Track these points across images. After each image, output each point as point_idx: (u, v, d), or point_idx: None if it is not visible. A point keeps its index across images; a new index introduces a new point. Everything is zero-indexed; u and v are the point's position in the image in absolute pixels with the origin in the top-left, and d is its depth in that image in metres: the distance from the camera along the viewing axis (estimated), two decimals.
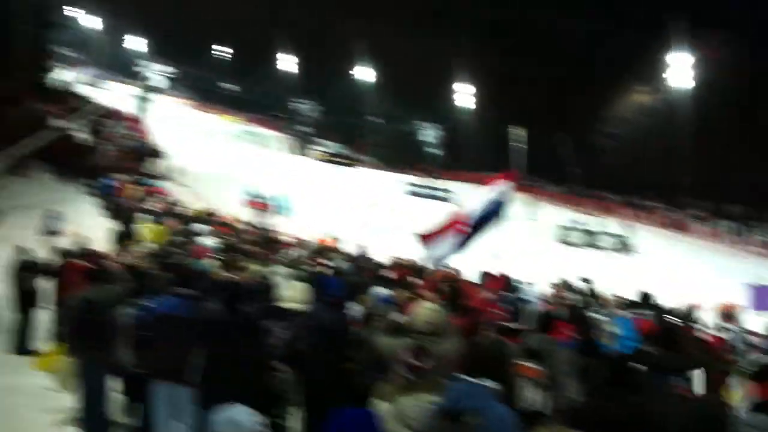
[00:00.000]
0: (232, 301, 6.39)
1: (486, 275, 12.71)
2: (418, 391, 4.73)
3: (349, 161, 50.54)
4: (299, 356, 6.40)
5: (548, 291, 12.56)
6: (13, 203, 17.77)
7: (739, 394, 7.15)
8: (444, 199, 38.51)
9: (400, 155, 52.66)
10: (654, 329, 8.25)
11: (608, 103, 46.42)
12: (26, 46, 25.95)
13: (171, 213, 21.10)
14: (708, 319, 10.91)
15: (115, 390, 6.90)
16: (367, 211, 31.28)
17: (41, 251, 11.89)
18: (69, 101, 32.96)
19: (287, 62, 62.92)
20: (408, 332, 5.22)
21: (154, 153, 32.87)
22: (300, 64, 62.12)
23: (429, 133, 56.04)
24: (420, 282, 10.69)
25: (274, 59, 62.87)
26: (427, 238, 10.75)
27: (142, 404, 6.50)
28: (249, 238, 17.84)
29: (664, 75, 41.99)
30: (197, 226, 18.75)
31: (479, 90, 53.14)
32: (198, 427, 5.70)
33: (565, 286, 12.74)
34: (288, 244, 17.88)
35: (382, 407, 4.76)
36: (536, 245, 26.76)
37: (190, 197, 27.61)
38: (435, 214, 15.58)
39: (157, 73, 61.83)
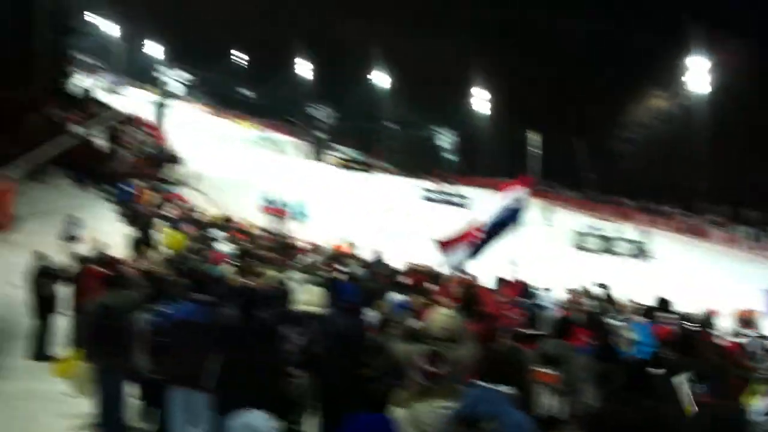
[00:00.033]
0: (248, 307, 6.43)
1: (502, 281, 12.69)
2: (434, 397, 4.71)
3: (364, 167, 50.54)
4: (315, 362, 6.40)
5: (565, 297, 12.49)
6: (31, 209, 17.83)
7: (757, 400, 7.09)
8: (460, 205, 38.49)
9: (416, 161, 52.58)
10: (671, 335, 8.20)
11: (625, 108, 46.21)
12: (46, 53, 26.10)
13: (188, 219, 21.19)
14: (726, 325, 10.82)
15: (132, 395, 6.94)
16: (382, 217, 31.21)
17: (60, 257, 11.95)
18: (88, 107, 33.09)
19: (304, 68, 63.28)
20: (424, 338, 5.23)
21: (172, 159, 32.97)
22: (316, 70, 62.43)
23: (445, 139, 55.93)
24: (436, 288, 10.69)
25: (291, 65, 63.23)
26: (445, 245, 10.75)
27: (158, 410, 6.53)
28: (265, 243, 17.94)
29: (681, 79, 41.75)
30: (214, 232, 18.88)
31: (495, 96, 53.14)
32: None
33: (582, 291, 12.68)
34: (304, 250, 17.95)
35: (398, 413, 4.74)
36: (552, 251, 26.69)
37: (207, 203, 27.73)
38: (450, 220, 15.58)
39: (175, 79, 62.17)
